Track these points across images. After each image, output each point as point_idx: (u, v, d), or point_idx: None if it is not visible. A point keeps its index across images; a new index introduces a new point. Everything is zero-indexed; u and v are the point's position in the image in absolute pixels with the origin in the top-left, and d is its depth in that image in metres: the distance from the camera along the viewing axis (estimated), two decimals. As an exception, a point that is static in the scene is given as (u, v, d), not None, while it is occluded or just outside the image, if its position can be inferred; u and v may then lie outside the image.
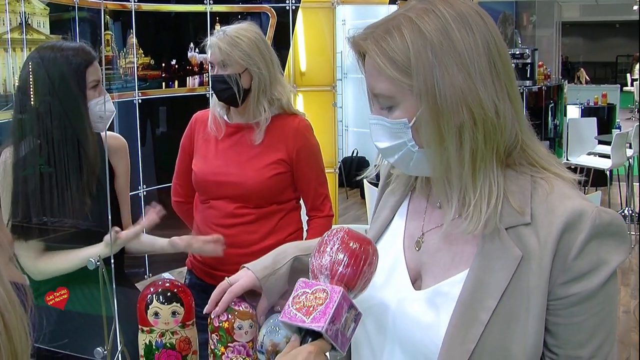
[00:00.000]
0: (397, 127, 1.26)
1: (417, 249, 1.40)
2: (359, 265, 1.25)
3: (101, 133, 2.42)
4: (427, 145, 1.24)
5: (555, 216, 1.22)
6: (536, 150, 1.31)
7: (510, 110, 1.25)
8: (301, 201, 2.85)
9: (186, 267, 2.91)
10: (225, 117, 2.74)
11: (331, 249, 1.26)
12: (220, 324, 1.67)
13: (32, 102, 2.33)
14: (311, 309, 1.20)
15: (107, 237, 2.21)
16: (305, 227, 2.86)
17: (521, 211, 1.25)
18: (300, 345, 1.21)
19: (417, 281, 1.37)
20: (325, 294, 1.21)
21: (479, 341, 1.22)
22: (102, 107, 2.35)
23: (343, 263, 1.24)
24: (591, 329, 1.23)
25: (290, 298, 1.24)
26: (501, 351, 1.23)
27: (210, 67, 2.72)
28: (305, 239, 2.80)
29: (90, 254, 2.22)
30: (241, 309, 1.68)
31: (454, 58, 1.21)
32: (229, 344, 1.70)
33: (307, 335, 1.20)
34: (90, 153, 2.34)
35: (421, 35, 1.21)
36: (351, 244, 1.26)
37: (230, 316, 1.67)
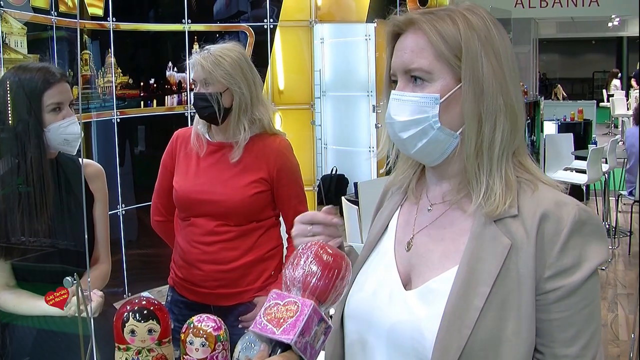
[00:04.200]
0: (426, 101, 1.34)
1: (407, 249, 1.45)
2: (332, 279, 1.27)
3: (79, 158, 2.42)
4: (467, 124, 1.33)
5: (539, 206, 1.31)
6: (528, 161, 1.41)
7: (523, 114, 1.38)
8: (281, 217, 2.87)
9: (167, 285, 2.91)
10: (207, 135, 2.75)
11: (305, 262, 1.28)
12: (181, 334, 1.70)
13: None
14: (282, 320, 1.22)
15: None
16: (285, 244, 2.87)
17: (508, 204, 1.32)
18: (270, 356, 1.23)
19: (408, 283, 1.41)
20: (296, 306, 1.23)
21: (475, 327, 1.26)
22: (66, 129, 2.32)
23: (315, 277, 1.26)
24: (576, 326, 1.28)
25: (262, 309, 1.26)
26: (496, 336, 1.27)
27: (193, 85, 2.73)
28: (286, 257, 2.81)
29: (49, 310, 2.20)
30: (200, 325, 1.70)
31: (494, 53, 1.34)
32: (183, 356, 1.72)
33: (276, 346, 1.22)
34: (46, 178, 2.33)
35: (470, 26, 1.34)
36: (325, 258, 1.29)
37: (186, 329, 1.70)
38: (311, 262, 1.28)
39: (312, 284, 1.25)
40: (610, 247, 7.54)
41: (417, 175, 1.52)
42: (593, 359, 1.29)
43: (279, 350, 1.22)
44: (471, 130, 1.33)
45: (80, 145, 2.43)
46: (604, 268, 7.02)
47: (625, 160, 8.03)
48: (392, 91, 1.39)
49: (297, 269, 1.28)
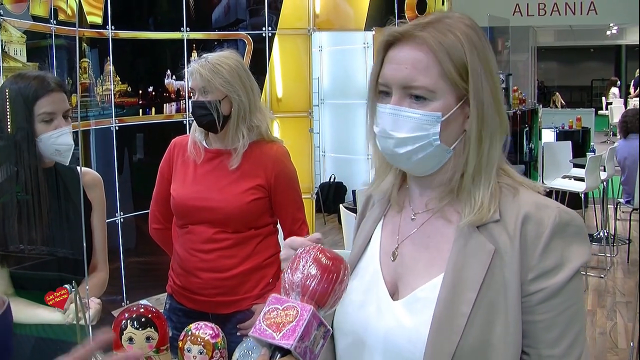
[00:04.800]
0: (428, 119, 1.33)
1: (392, 259, 1.45)
2: (330, 283, 1.27)
3: (77, 167, 2.42)
4: (470, 144, 1.34)
5: (520, 210, 1.32)
6: (505, 165, 1.42)
7: (508, 126, 1.39)
8: (279, 225, 2.87)
9: (166, 293, 2.91)
10: (204, 143, 2.76)
11: (304, 266, 1.28)
12: (179, 342, 1.70)
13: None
14: (281, 325, 1.22)
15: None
16: (283, 251, 2.88)
17: (492, 211, 1.34)
18: None
19: (395, 293, 1.41)
20: (295, 311, 1.23)
21: (463, 332, 1.28)
22: (57, 140, 2.32)
23: (315, 281, 1.26)
24: (561, 327, 1.30)
25: (262, 313, 1.26)
26: (485, 340, 1.28)
27: (191, 93, 2.73)
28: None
29: (47, 318, 2.21)
30: (198, 333, 1.70)
31: (489, 68, 1.35)
32: None
33: (276, 350, 1.22)
34: (41, 186, 2.33)
35: (471, 44, 1.33)
36: (324, 262, 1.28)
37: (184, 337, 1.70)
38: (310, 266, 1.27)
39: (311, 288, 1.26)
40: (609, 255, 7.55)
41: (398, 184, 1.52)
42: (578, 358, 1.31)
43: (279, 355, 1.22)
44: (473, 150, 1.34)
45: (78, 153, 2.43)
46: (602, 276, 7.03)
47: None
48: (388, 105, 1.36)
49: (295, 273, 1.28)
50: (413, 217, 1.46)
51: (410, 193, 1.49)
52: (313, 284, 1.26)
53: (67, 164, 2.39)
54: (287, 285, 1.28)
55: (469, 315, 1.28)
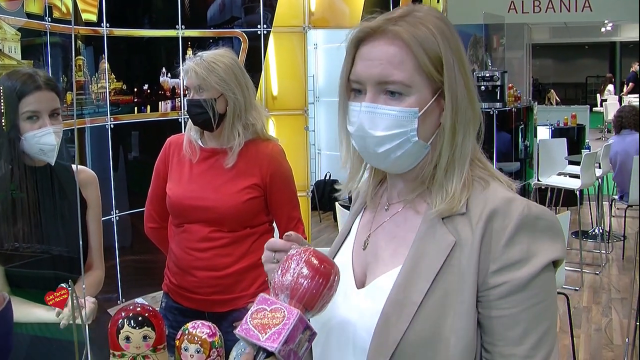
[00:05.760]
0: (405, 115, 1.31)
1: (363, 248, 1.46)
2: (320, 287, 1.26)
3: (72, 165, 2.41)
4: (445, 136, 1.32)
5: (487, 204, 1.30)
6: (483, 157, 1.42)
7: (482, 117, 1.38)
8: (274, 223, 2.87)
9: (162, 291, 2.91)
10: (200, 141, 2.75)
11: (294, 268, 1.27)
12: (176, 341, 1.70)
13: None
14: (267, 327, 1.22)
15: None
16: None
17: (462, 203, 1.33)
18: (254, 359, 1.23)
19: (363, 282, 1.42)
20: (282, 314, 1.23)
21: (412, 321, 1.26)
22: (41, 139, 2.30)
23: (304, 284, 1.25)
24: (525, 324, 1.25)
25: (249, 312, 1.26)
26: (434, 332, 1.26)
27: (186, 91, 2.73)
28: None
29: (44, 316, 2.20)
30: (195, 332, 1.70)
31: (461, 59, 1.34)
32: None
33: (260, 350, 1.22)
34: (36, 185, 2.32)
35: (443, 36, 1.32)
36: (315, 265, 1.27)
37: (181, 335, 1.70)
38: (301, 268, 1.27)
39: (300, 291, 1.25)
40: (604, 251, 7.57)
41: (377, 180, 1.52)
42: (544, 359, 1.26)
43: (263, 356, 1.22)
44: (447, 143, 1.33)
45: (74, 151, 2.42)
46: (597, 273, 7.04)
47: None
48: (363, 103, 1.34)
49: (285, 275, 1.27)
50: (387, 207, 1.46)
51: (387, 185, 1.49)
52: (302, 287, 1.25)
53: (53, 164, 2.37)
54: (276, 286, 1.28)
55: (419, 305, 1.27)
